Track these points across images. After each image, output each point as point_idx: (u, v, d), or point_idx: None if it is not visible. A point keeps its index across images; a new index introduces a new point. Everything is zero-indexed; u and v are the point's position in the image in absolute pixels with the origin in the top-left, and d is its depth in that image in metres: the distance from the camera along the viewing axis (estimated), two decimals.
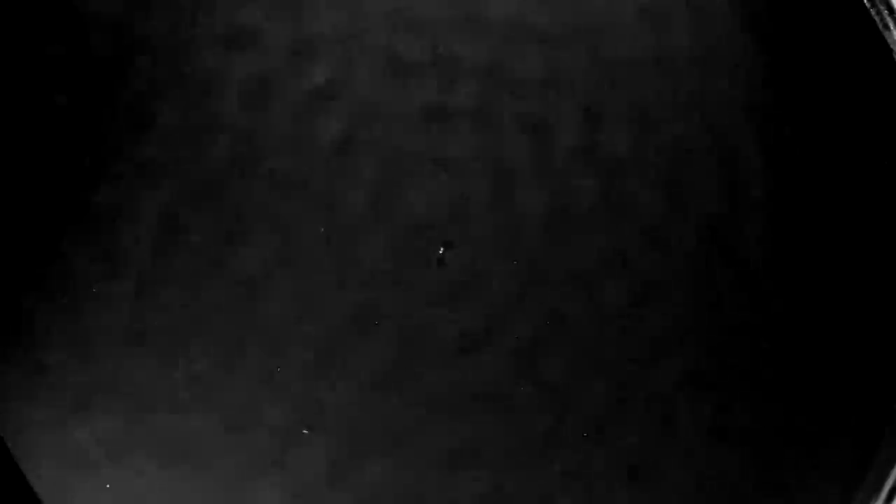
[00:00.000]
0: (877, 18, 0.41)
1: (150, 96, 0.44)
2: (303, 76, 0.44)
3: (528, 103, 0.43)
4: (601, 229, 0.43)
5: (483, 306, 0.43)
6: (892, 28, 0.41)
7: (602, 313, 0.43)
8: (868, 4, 0.41)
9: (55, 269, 0.44)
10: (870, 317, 0.43)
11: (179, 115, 0.44)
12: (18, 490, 0.44)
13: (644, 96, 0.43)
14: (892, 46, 0.41)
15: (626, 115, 0.43)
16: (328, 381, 0.44)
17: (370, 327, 0.44)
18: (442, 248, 0.44)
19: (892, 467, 0.42)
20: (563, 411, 0.43)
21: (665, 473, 0.43)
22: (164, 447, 0.44)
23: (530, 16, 0.43)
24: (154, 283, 0.44)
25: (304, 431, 0.44)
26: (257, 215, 0.44)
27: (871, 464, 0.43)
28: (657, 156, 0.43)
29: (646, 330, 0.43)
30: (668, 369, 0.43)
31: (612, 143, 0.43)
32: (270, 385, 0.44)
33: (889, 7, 0.40)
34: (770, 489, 0.43)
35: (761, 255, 0.43)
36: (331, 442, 0.44)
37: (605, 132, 0.43)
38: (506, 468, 0.43)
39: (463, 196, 0.44)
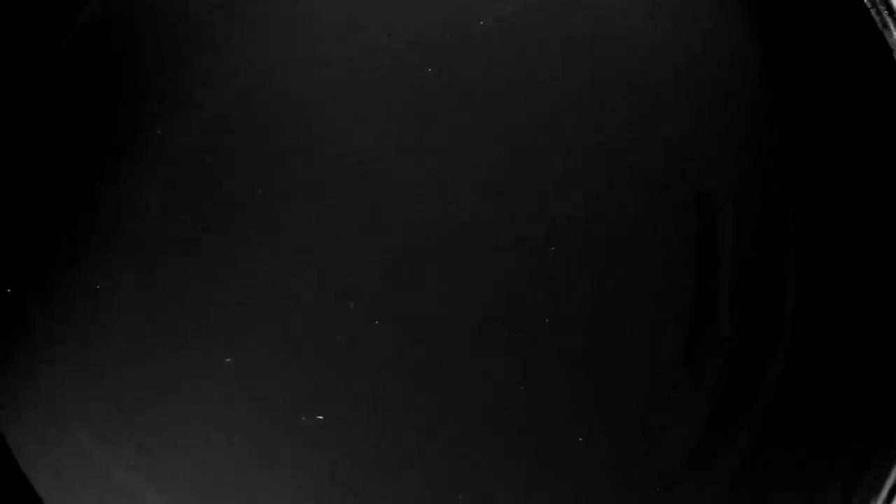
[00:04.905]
0: (877, 18, 0.41)
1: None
2: None
3: None
4: None
5: None
6: (892, 28, 0.41)
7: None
8: (868, 4, 0.41)
9: (55, 269, 0.44)
10: (870, 317, 0.43)
11: None
12: (18, 490, 0.44)
13: (644, 96, 0.43)
14: (892, 46, 0.41)
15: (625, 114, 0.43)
16: None
17: None
18: None
19: (892, 467, 0.42)
20: None
21: (666, 472, 0.43)
22: (166, 447, 0.44)
23: None
24: (155, 282, 0.44)
25: (319, 417, 0.44)
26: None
27: (870, 464, 0.43)
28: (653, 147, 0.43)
29: (644, 332, 0.43)
30: (669, 369, 0.43)
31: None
32: (275, 382, 0.44)
33: (889, 7, 0.40)
34: (770, 489, 0.43)
35: (763, 255, 0.43)
36: None
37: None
38: None
39: None
